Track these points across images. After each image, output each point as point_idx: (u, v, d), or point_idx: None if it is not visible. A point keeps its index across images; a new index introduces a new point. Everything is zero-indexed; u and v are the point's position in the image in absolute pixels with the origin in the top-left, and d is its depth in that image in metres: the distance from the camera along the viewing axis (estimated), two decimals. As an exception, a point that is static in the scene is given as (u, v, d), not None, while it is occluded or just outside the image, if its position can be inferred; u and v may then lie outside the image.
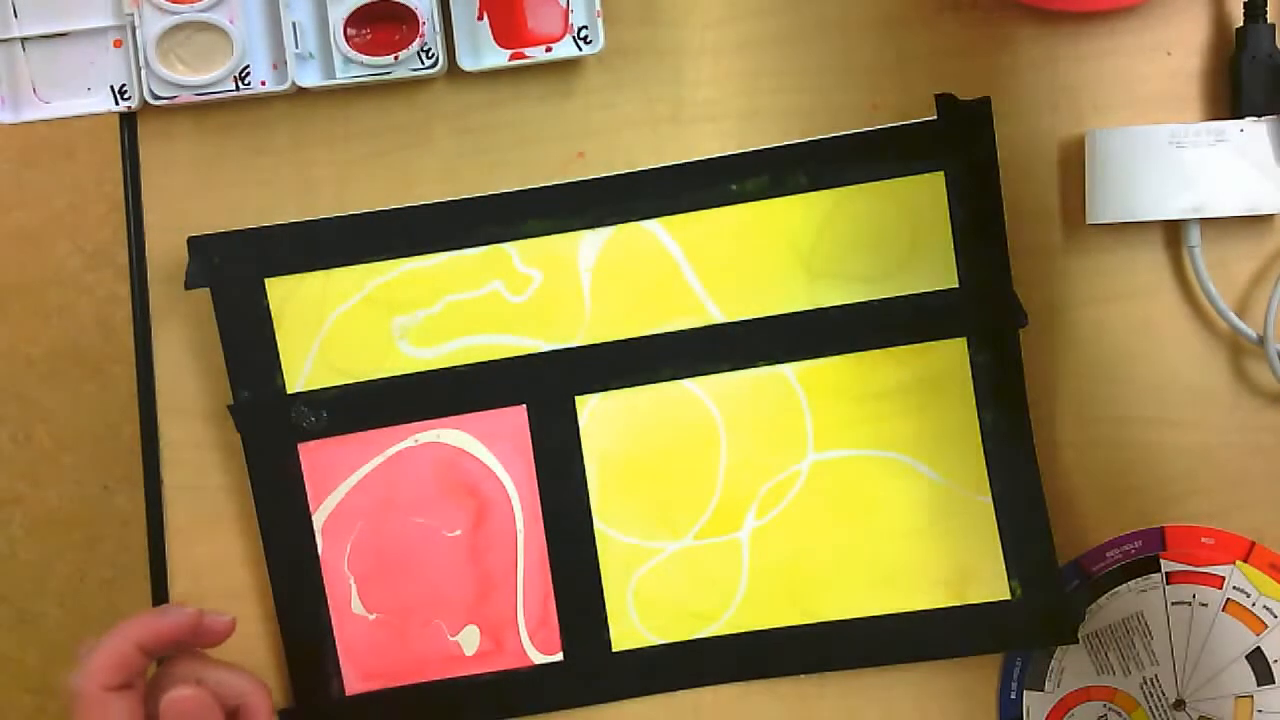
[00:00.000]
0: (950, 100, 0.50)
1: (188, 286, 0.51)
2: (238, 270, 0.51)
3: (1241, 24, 0.49)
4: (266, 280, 0.51)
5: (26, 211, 1.32)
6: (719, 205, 0.51)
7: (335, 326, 0.51)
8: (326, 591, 0.52)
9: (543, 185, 0.51)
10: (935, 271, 0.51)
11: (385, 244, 0.51)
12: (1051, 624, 0.51)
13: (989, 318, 0.51)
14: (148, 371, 0.53)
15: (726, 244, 0.51)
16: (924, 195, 0.50)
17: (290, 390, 0.52)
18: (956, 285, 0.51)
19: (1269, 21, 0.49)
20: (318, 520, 0.52)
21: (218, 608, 0.53)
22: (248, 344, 0.51)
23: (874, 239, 0.51)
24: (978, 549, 0.51)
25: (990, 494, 0.51)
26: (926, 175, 0.50)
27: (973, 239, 0.50)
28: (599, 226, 0.51)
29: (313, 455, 0.52)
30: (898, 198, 0.51)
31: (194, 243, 0.51)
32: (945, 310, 0.51)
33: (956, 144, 0.50)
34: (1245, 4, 0.49)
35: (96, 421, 1.28)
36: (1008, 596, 0.51)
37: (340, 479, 0.52)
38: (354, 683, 0.53)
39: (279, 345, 0.51)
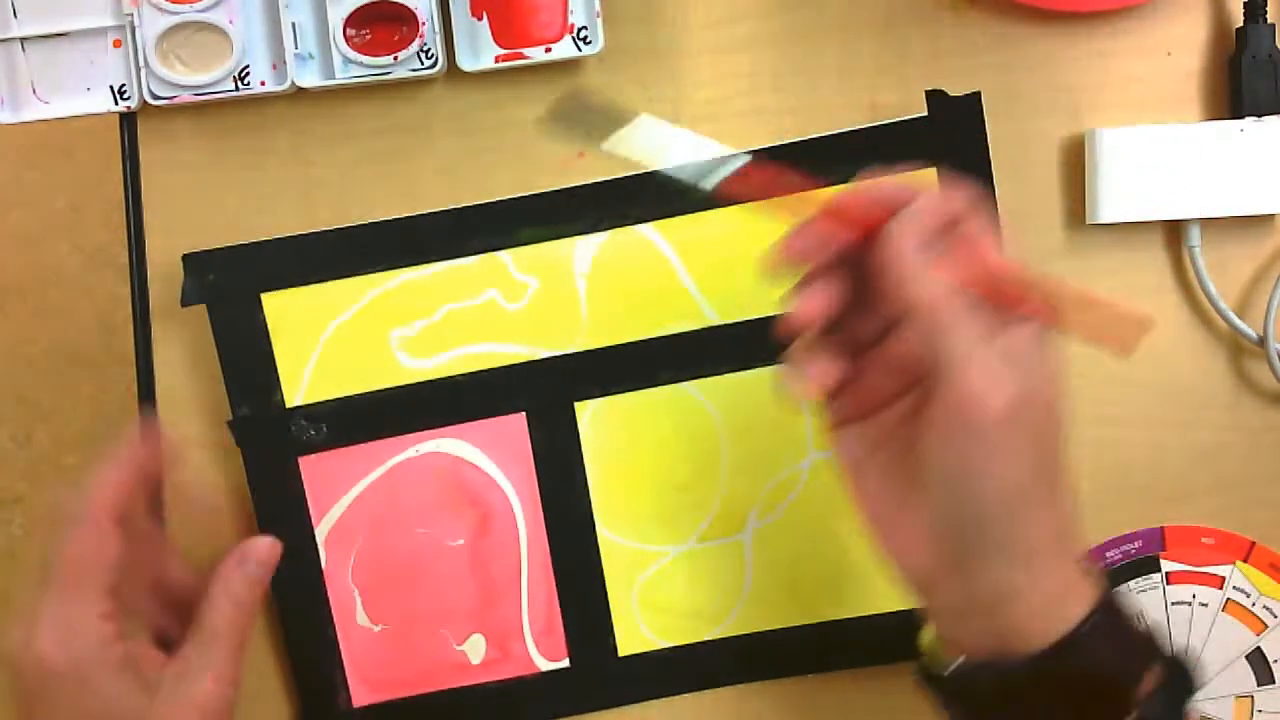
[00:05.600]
0: (941, 96, 0.50)
1: (184, 304, 0.51)
2: (233, 286, 0.51)
3: (1241, 24, 0.49)
4: (263, 295, 0.51)
5: (26, 211, 1.32)
6: (713, 208, 0.51)
7: (333, 339, 0.51)
8: (331, 604, 0.52)
9: (536, 192, 0.51)
10: (933, 269, 0.51)
11: (381, 255, 0.51)
12: None
13: None
14: (148, 372, 0.53)
15: (720, 246, 0.51)
16: None
17: (289, 404, 0.52)
18: None
19: (1269, 21, 0.49)
20: (320, 533, 0.52)
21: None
22: (245, 359, 0.51)
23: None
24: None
25: None
26: (919, 172, 0.50)
27: None
28: (593, 231, 0.51)
29: (313, 468, 0.52)
30: None
31: (189, 260, 0.51)
32: None
33: (948, 140, 0.50)
34: (1245, 4, 0.49)
35: (97, 421, 1.28)
36: None
37: (342, 492, 0.52)
38: (361, 694, 0.53)
39: (277, 359, 0.51)
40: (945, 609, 0.40)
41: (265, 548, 0.48)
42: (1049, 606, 0.38)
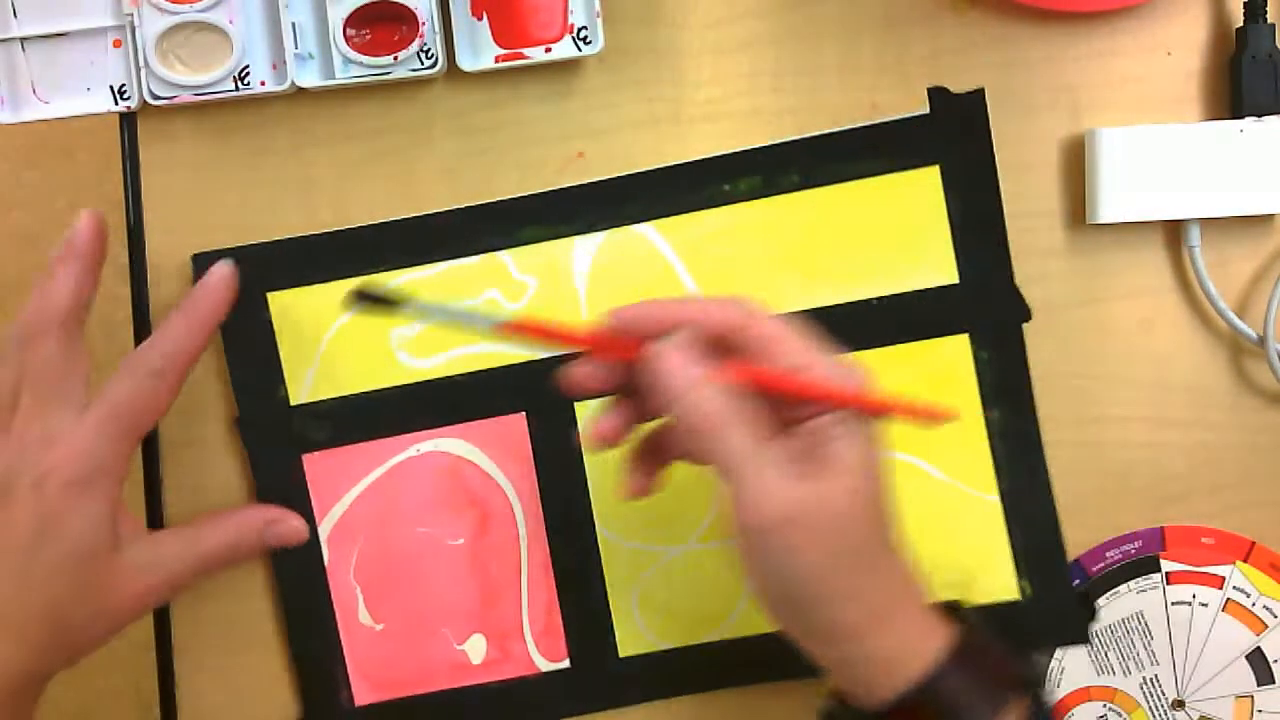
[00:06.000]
0: (943, 93, 0.50)
1: None
2: (240, 285, 0.51)
3: (1241, 24, 0.49)
4: (268, 294, 0.51)
5: (26, 211, 1.32)
6: (711, 206, 0.51)
7: (336, 338, 0.51)
8: (334, 602, 0.52)
9: (535, 192, 0.51)
10: (934, 267, 0.51)
11: (383, 256, 0.51)
12: (1064, 623, 0.51)
13: (991, 313, 0.51)
14: (148, 372, 0.53)
15: (720, 245, 0.51)
16: (919, 190, 0.50)
17: (293, 402, 0.52)
18: (956, 281, 0.50)
19: (1269, 21, 0.49)
20: (323, 531, 0.52)
21: (223, 611, 0.53)
22: (251, 358, 0.51)
23: (869, 236, 0.51)
24: (985, 549, 0.51)
25: (998, 492, 0.51)
26: (921, 170, 0.50)
27: (971, 233, 0.50)
28: (592, 231, 0.51)
29: (316, 466, 0.52)
30: (892, 194, 0.50)
31: (198, 260, 0.51)
32: (945, 307, 0.50)
33: (951, 137, 0.50)
34: (1245, 4, 0.49)
35: (96, 421, 1.28)
36: (1018, 597, 0.51)
37: (344, 490, 0.52)
38: (363, 693, 0.53)
39: (282, 358, 0.51)
40: (812, 658, 0.42)
41: (293, 527, 0.51)
42: (892, 664, 0.40)
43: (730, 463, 0.39)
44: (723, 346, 0.40)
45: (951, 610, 0.43)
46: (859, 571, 0.40)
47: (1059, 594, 0.51)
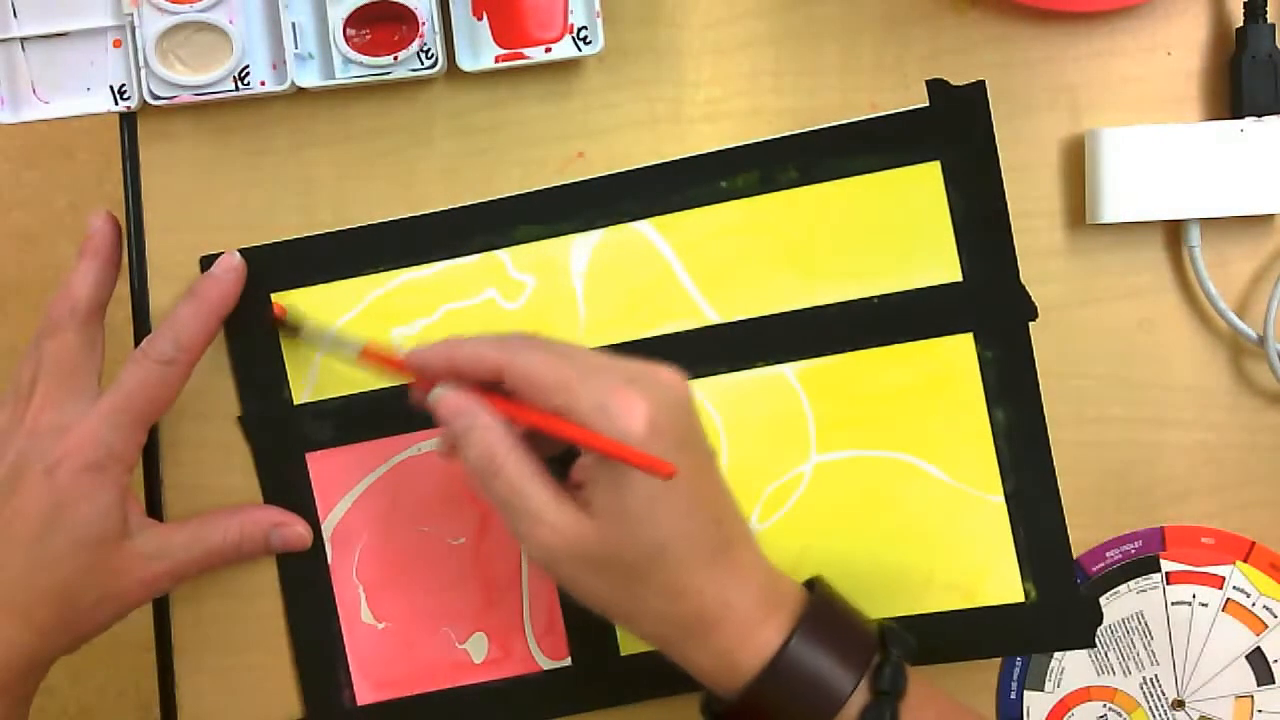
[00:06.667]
0: (942, 86, 0.50)
1: None
2: (246, 286, 0.51)
3: (1241, 24, 0.49)
4: (272, 295, 0.51)
5: (26, 211, 1.32)
6: (709, 203, 0.51)
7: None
8: (336, 601, 0.52)
9: (532, 190, 0.51)
10: (936, 265, 0.50)
11: (383, 256, 0.51)
12: (1069, 626, 0.51)
13: (996, 311, 0.50)
14: (148, 372, 0.53)
15: (719, 243, 0.51)
16: (920, 186, 0.50)
17: (297, 401, 0.52)
18: (960, 279, 0.50)
19: (1269, 21, 0.49)
20: (326, 530, 0.52)
21: (223, 611, 0.53)
22: (255, 358, 0.52)
23: (869, 233, 0.51)
24: (989, 551, 0.51)
25: (1002, 494, 0.51)
26: (922, 165, 0.50)
27: (974, 230, 0.50)
28: (589, 229, 0.51)
29: (320, 465, 0.52)
30: (892, 190, 0.50)
31: (206, 262, 0.51)
32: (949, 305, 0.50)
33: (952, 131, 0.50)
34: (1245, 4, 0.49)
35: (96, 421, 1.28)
36: (1022, 599, 0.51)
37: (347, 488, 0.52)
38: (365, 692, 0.53)
39: (285, 358, 0.52)
40: None
41: (298, 533, 0.51)
42: (733, 660, 0.42)
43: (504, 502, 0.42)
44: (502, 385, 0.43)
45: (810, 587, 0.45)
46: (649, 596, 0.42)
47: (1064, 597, 0.51)
